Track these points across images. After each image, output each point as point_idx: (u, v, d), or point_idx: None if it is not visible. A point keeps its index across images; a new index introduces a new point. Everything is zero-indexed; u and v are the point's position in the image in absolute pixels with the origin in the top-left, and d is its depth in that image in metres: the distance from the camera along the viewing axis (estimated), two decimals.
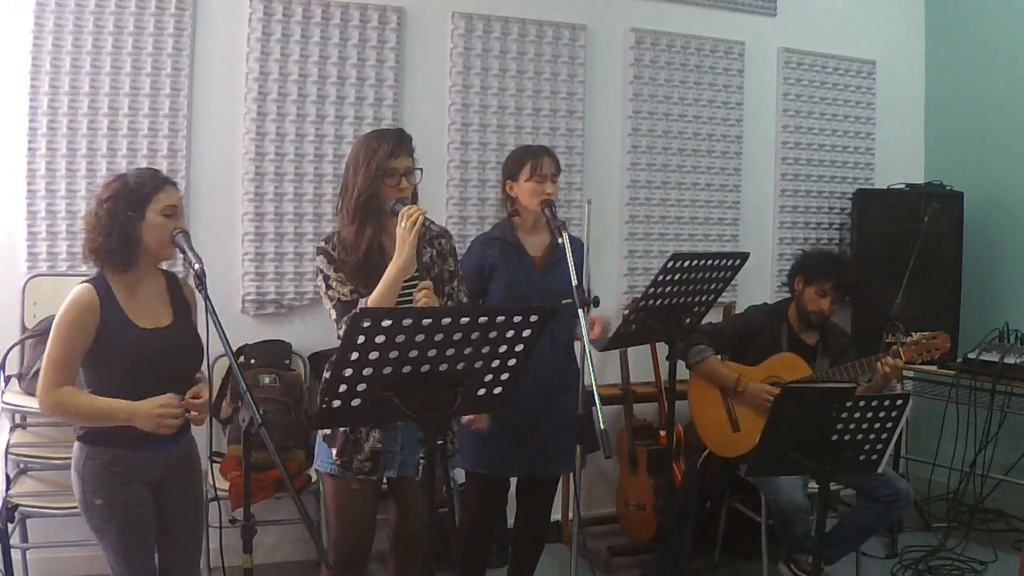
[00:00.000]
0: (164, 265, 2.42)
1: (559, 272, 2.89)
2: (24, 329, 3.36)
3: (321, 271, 2.53)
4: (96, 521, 2.26)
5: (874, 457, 2.61)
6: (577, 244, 2.86)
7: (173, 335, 2.34)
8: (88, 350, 2.24)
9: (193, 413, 2.29)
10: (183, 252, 2.25)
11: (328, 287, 2.51)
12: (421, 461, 2.53)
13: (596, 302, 2.77)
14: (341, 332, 2.45)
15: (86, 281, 2.27)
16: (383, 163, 2.46)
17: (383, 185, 2.46)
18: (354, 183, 2.48)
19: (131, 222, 2.24)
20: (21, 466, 3.26)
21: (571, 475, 3.65)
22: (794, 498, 3.32)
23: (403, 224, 2.38)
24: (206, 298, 2.14)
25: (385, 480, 2.58)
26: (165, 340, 2.32)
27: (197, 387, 2.32)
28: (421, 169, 2.57)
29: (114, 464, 2.25)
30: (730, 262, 2.80)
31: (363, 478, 2.49)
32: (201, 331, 2.33)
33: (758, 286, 4.64)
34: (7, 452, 3.13)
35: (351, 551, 2.55)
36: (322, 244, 2.56)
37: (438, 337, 1.80)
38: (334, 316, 2.51)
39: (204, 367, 2.35)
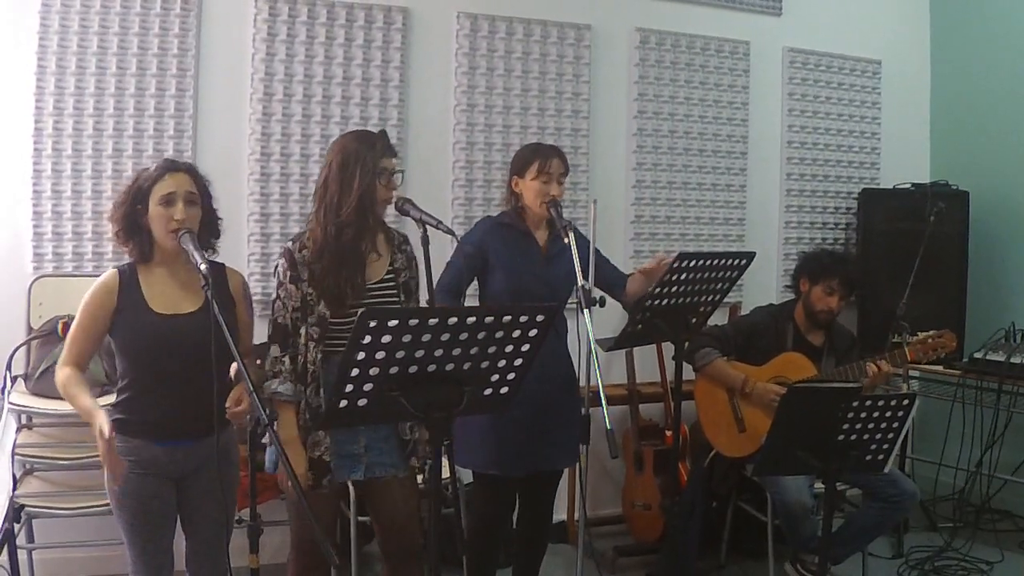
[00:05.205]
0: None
1: (562, 262, 2.88)
2: (30, 329, 3.36)
3: (277, 277, 2.46)
4: (113, 504, 2.35)
5: (880, 457, 2.61)
6: (583, 241, 2.86)
7: (190, 322, 2.32)
8: (111, 335, 2.33)
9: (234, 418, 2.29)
10: (188, 251, 2.23)
11: (277, 297, 2.46)
12: (422, 460, 2.53)
13: (602, 302, 2.77)
14: (268, 361, 2.40)
15: (118, 266, 2.39)
16: (378, 162, 2.47)
17: (377, 184, 2.48)
18: (351, 182, 2.44)
19: (140, 215, 2.32)
20: (28, 466, 3.26)
21: (577, 475, 3.65)
22: (800, 498, 3.31)
23: None
24: (211, 299, 2.14)
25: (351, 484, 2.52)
26: (182, 327, 2.32)
27: (237, 392, 2.26)
28: (403, 172, 2.60)
29: (131, 454, 2.31)
30: (736, 262, 2.80)
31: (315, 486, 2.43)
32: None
33: (764, 286, 4.63)
34: (14, 452, 3.12)
35: (308, 560, 2.53)
36: (289, 245, 2.49)
37: (444, 337, 1.80)
38: (268, 331, 2.45)
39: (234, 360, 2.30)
